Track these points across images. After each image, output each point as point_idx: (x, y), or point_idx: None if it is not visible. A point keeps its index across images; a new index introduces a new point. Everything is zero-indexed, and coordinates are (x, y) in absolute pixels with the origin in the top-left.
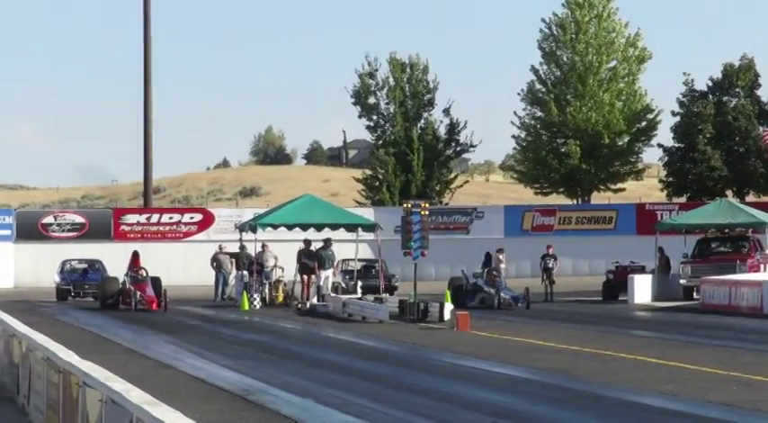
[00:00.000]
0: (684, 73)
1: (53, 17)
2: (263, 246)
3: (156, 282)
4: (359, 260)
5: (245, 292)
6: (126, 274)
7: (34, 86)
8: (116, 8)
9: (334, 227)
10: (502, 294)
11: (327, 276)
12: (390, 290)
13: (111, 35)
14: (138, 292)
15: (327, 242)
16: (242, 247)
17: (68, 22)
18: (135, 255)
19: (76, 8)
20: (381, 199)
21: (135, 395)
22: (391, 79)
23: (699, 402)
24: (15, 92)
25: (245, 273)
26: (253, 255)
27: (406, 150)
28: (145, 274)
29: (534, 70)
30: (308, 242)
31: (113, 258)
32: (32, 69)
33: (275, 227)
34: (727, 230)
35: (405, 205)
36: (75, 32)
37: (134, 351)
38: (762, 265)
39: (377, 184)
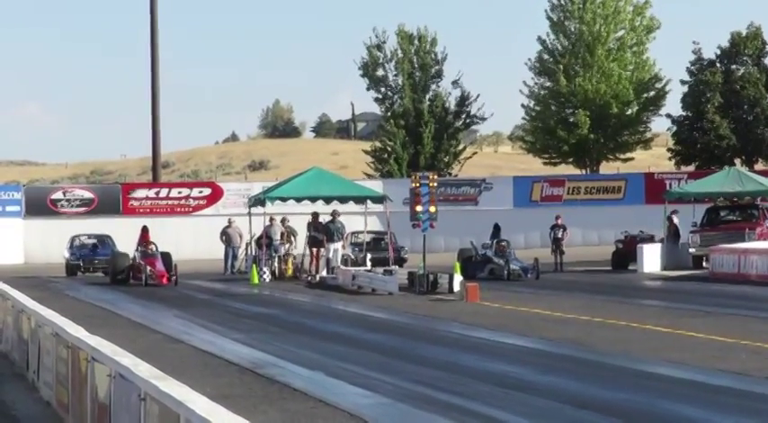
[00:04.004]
0: (694, 42)
1: None
2: (272, 219)
3: (165, 256)
4: (368, 232)
5: (254, 266)
6: (136, 249)
7: (42, 62)
8: None
9: (343, 199)
10: (511, 265)
11: (336, 249)
12: (399, 262)
13: (118, 9)
14: (149, 267)
15: (335, 214)
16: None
17: None
18: (144, 229)
19: None
20: (390, 171)
21: (143, 369)
22: (399, 51)
23: (709, 371)
24: (23, 68)
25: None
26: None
27: (414, 122)
28: (155, 249)
29: (542, 41)
30: (315, 215)
31: (122, 233)
32: (40, 45)
33: (284, 200)
34: (735, 199)
35: (413, 177)
36: (83, 7)
37: (143, 325)
38: None
39: (385, 156)
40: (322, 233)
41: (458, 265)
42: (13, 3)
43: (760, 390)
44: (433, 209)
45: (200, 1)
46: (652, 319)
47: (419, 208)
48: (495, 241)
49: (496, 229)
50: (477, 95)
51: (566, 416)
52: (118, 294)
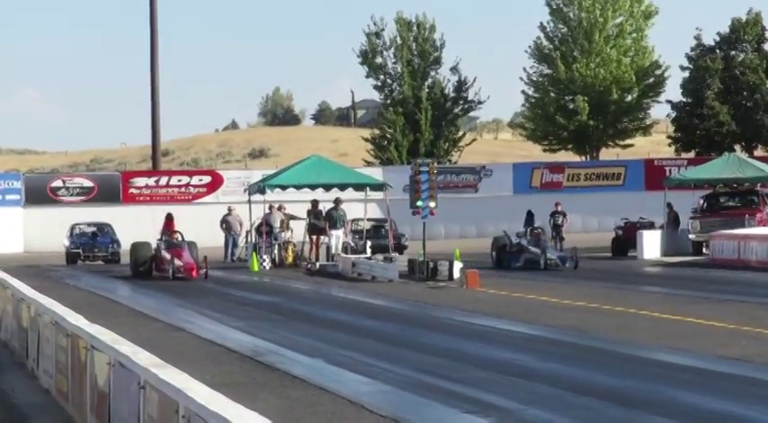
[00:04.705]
0: (697, 28)
1: None
2: (271, 207)
3: (192, 246)
4: (368, 220)
5: (254, 254)
6: (159, 239)
7: (42, 50)
8: None
9: (343, 187)
10: (548, 254)
11: (338, 236)
12: (400, 249)
13: None
14: (175, 259)
15: (338, 202)
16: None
17: None
18: (169, 217)
19: None
20: (390, 158)
21: (143, 358)
22: (398, 38)
23: (710, 357)
24: (23, 56)
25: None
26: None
27: (414, 109)
28: (181, 238)
29: (542, 27)
30: (315, 203)
31: (122, 221)
32: (40, 33)
33: (284, 188)
34: (735, 185)
35: (413, 164)
36: None
37: (144, 314)
38: None
39: (385, 143)
40: (325, 220)
41: (458, 253)
42: None
43: (761, 376)
44: (432, 204)
45: None
46: (652, 306)
47: (420, 203)
48: (529, 229)
49: (530, 215)
50: (474, 79)
51: (566, 402)
52: (118, 283)
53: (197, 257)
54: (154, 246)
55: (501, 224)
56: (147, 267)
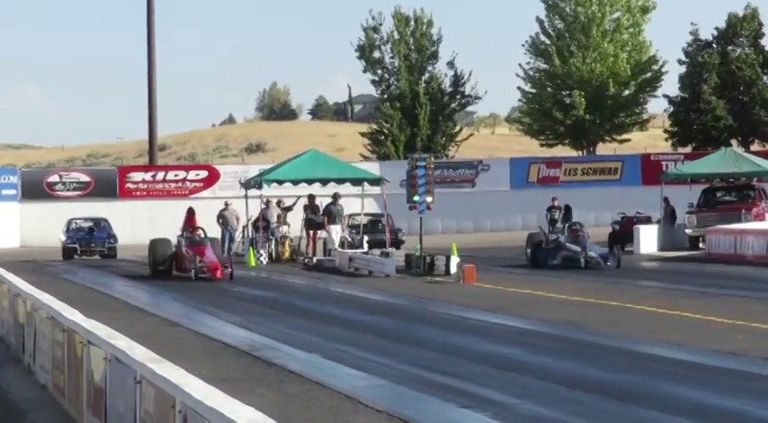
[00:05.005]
0: (692, 23)
1: None
2: (268, 202)
3: (213, 244)
4: (365, 214)
5: (251, 248)
6: (180, 235)
7: (39, 45)
8: None
9: (340, 181)
10: (589, 252)
11: (337, 231)
12: (397, 244)
13: None
14: (198, 258)
15: (336, 197)
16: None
17: None
18: (190, 212)
19: None
20: (387, 153)
21: (139, 352)
22: (396, 33)
23: (706, 352)
24: (19, 51)
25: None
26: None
27: (411, 104)
28: (203, 235)
29: (540, 21)
30: (311, 197)
31: (119, 216)
32: (36, 28)
33: (281, 182)
34: (732, 180)
35: (410, 159)
36: None
37: (140, 309)
38: (767, 214)
39: (382, 138)
40: (323, 215)
41: (455, 247)
42: None
43: (757, 370)
44: (429, 199)
45: None
46: (649, 300)
47: (416, 197)
48: (567, 225)
49: (567, 210)
50: (470, 72)
51: (560, 396)
52: (114, 278)
53: (220, 256)
54: (174, 242)
55: (498, 219)
56: (167, 266)
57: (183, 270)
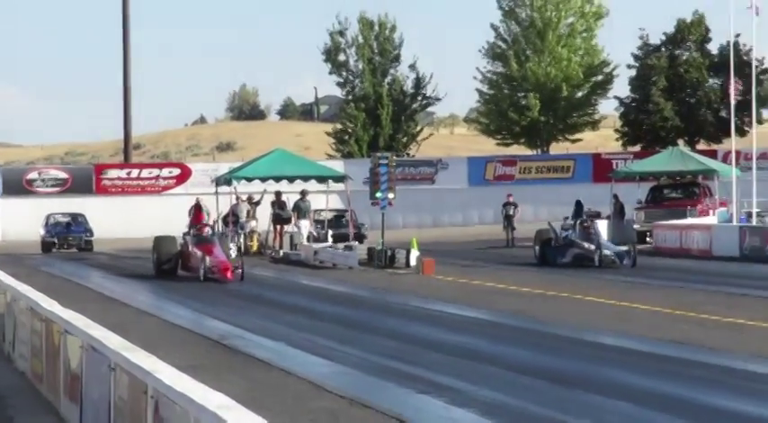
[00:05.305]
0: (640, 28)
1: None
2: (238, 198)
3: (222, 241)
4: (329, 210)
5: None
6: (186, 233)
7: (19, 48)
8: None
9: (306, 179)
10: (604, 251)
11: (306, 226)
12: (360, 238)
13: None
14: (207, 257)
15: (304, 193)
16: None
17: None
18: (198, 208)
19: None
20: (351, 152)
21: (114, 341)
22: (360, 37)
23: (650, 340)
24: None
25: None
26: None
27: (374, 105)
28: (211, 232)
29: (494, 28)
30: (278, 194)
31: (95, 212)
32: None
33: (249, 180)
34: (678, 177)
35: (373, 157)
36: None
37: (115, 299)
38: (711, 210)
39: (346, 137)
40: (294, 211)
41: (415, 241)
42: None
43: (702, 358)
44: (391, 195)
45: None
46: (596, 291)
47: (379, 194)
48: (578, 222)
49: (578, 206)
50: (431, 75)
51: (512, 382)
52: (89, 270)
53: (229, 254)
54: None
55: (456, 215)
56: (172, 266)
57: (189, 270)
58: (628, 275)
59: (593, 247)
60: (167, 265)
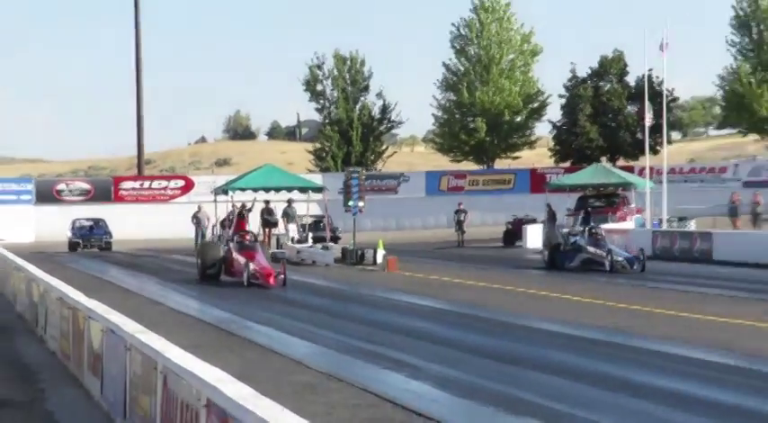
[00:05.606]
0: (572, 63)
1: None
2: (233, 205)
3: (263, 248)
4: (310, 216)
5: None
6: (230, 239)
7: (53, 79)
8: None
9: (290, 189)
10: (615, 256)
11: (293, 229)
12: (335, 239)
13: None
14: (251, 263)
15: (290, 202)
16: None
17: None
18: (240, 216)
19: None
20: (328, 167)
21: (129, 325)
22: (335, 70)
23: (584, 326)
24: (36, 83)
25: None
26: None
27: (347, 128)
28: (254, 240)
29: (446, 65)
30: (267, 202)
31: (114, 217)
32: (52, 64)
33: (243, 190)
34: (601, 189)
35: (346, 171)
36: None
37: (130, 290)
38: (629, 217)
39: (324, 154)
40: (283, 216)
41: (381, 242)
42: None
43: (626, 341)
44: (361, 204)
45: (178, 27)
46: (535, 285)
47: (351, 202)
48: (587, 228)
49: (587, 214)
50: (395, 103)
51: (462, 361)
52: (108, 265)
53: (269, 260)
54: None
55: (415, 220)
56: (217, 270)
57: (232, 275)
58: (573, 272)
59: (602, 252)
60: (212, 270)
